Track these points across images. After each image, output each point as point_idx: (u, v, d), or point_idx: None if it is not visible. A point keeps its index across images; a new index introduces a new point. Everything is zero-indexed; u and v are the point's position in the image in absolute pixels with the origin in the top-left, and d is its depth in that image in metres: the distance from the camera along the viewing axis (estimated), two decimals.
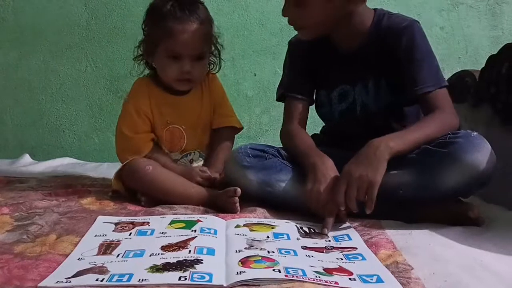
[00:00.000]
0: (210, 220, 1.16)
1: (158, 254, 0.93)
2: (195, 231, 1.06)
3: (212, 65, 1.51)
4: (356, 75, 1.36)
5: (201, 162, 1.50)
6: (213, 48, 1.47)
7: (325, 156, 1.22)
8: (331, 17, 1.29)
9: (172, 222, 1.14)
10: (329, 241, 1.07)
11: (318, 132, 1.53)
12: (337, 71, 1.38)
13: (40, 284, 0.81)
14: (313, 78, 1.42)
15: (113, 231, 1.09)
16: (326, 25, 1.32)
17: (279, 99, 1.48)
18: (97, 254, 0.95)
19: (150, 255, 0.92)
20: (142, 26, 1.45)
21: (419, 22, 1.32)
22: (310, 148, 1.29)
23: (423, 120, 1.26)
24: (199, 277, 0.83)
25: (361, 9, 1.32)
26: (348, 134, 1.38)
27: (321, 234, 1.11)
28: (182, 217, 1.18)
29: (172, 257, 0.91)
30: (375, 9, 1.36)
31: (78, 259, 0.92)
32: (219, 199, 1.28)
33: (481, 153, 1.13)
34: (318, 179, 1.16)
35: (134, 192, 1.38)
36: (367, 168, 1.10)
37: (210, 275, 0.84)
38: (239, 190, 1.24)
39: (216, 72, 1.53)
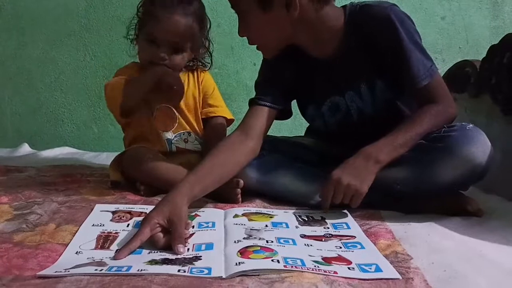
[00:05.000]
0: (208, 213, 1.16)
1: (157, 251, 0.92)
2: (193, 227, 1.05)
3: (201, 64, 1.52)
4: (342, 83, 1.28)
5: (199, 146, 1.49)
6: (201, 51, 1.48)
7: (184, 204, 1.01)
8: (283, 29, 1.21)
9: None
10: (328, 228, 1.08)
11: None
12: (320, 83, 1.30)
13: (39, 273, 0.81)
14: (288, 87, 1.31)
15: (111, 220, 1.08)
16: (283, 38, 1.24)
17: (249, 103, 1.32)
18: (95, 248, 0.94)
19: (149, 253, 0.92)
20: (136, 12, 1.46)
21: (396, 5, 1.22)
22: (201, 176, 1.10)
23: (416, 117, 1.19)
24: (198, 271, 0.82)
25: (324, 13, 1.21)
26: (345, 140, 1.30)
27: (320, 222, 1.11)
28: None
29: (171, 253, 0.91)
30: (344, 6, 1.26)
31: (76, 252, 0.92)
32: (220, 189, 1.28)
33: (476, 146, 1.10)
34: (161, 212, 0.97)
35: (133, 182, 1.38)
36: (356, 178, 1.11)
37: (209, 269, 0.83)
38: (241, 182, 1.24)
39: (207, 70, 1.55)
